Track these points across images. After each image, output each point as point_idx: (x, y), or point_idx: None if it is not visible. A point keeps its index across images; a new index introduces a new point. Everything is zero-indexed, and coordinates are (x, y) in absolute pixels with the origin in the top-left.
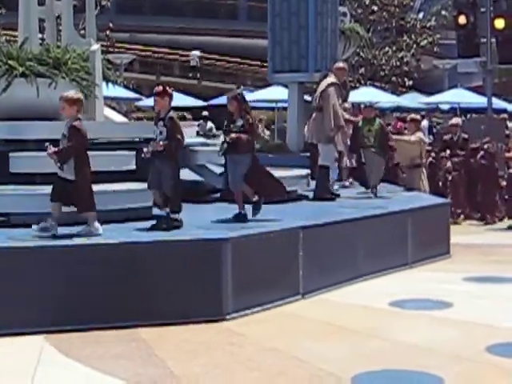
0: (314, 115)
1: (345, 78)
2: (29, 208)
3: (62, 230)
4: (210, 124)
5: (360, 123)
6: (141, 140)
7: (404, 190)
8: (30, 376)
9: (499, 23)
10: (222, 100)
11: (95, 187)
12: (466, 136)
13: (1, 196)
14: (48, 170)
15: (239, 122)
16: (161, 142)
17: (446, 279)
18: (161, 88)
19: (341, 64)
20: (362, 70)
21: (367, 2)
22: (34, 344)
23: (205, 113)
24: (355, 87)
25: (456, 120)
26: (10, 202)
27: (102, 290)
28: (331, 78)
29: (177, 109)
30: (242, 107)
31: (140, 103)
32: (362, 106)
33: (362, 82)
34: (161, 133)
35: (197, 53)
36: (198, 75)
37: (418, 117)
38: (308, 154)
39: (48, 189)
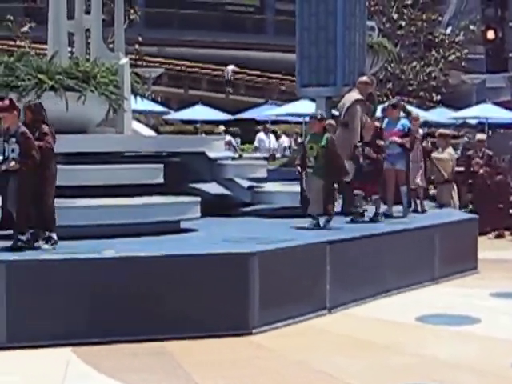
0: (338, 131)
1: (372, 92)
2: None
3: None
4: (228, 137)
5: (306, 139)
6: (169, 154)
7: (434, 206)
8: None
9: None
10: (251, 114)
11: (123, 200)
12: (490, 152)
13: None
14: (77, 183)
15: (36, 134)
16: (12, 163)
17: (473, 294)
18: (7, 102)
19: (364, 78)
20: (389, 85)
21: (395, 17)
22: (61, 356)
23: (222, 127)
24: (383, 102)
25: (481, 136)
26: None
27: (129, 303)
28: (356, 94)
29: (207, 122)
30: (37, 118)
31: (168, 116)
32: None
33: (390, 96)
34: (13, 150)
35: (232, 67)
36: (229, 89)
37: (448, 131)
38: None
39: (77, 201)
